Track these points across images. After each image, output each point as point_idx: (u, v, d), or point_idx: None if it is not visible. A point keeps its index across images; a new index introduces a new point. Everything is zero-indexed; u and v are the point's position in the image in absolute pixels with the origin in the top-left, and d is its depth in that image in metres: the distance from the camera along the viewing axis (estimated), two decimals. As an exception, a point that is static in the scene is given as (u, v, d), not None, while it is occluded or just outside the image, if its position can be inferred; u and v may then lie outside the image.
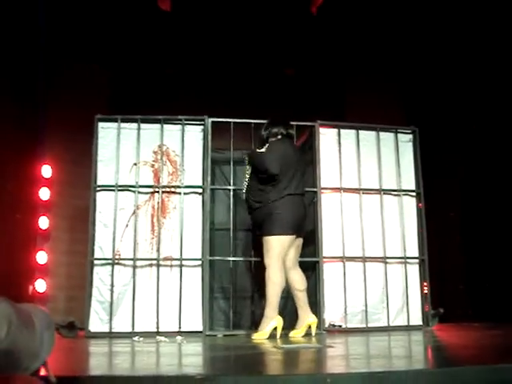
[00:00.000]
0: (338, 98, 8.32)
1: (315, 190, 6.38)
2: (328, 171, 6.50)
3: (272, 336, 5.24)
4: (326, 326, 6.13)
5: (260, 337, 5.20)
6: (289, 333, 5.49)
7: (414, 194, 6.69)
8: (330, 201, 6.46)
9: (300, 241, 5.64)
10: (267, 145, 5.58)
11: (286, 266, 5.46)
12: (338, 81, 8.44)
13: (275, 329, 5.30)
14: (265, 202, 5.40)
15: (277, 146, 5.55)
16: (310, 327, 5.55)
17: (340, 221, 6.42)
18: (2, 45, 6.17)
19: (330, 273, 6.30)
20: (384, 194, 6.58)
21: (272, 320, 5.29)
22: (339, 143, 6.61)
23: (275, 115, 5.96)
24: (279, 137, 5.68)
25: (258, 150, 5.64)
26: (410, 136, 6.83)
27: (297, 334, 5.44)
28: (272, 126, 5.75)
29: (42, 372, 1.83)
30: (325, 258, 6.26)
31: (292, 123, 6.37)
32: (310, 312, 5.60)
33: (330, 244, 6.34)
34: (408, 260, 6.51)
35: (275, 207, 5.34)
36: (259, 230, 5.56)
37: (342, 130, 6.67)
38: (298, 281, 5.56)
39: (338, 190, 6.49)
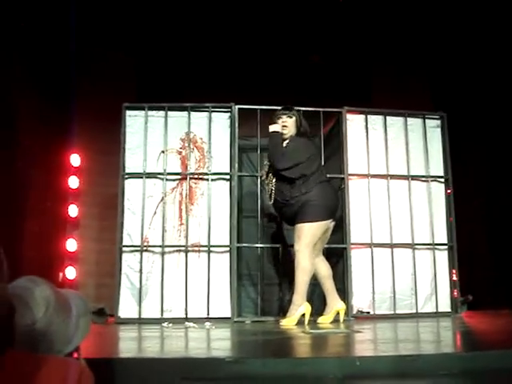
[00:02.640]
0: (364, 83, 8.26)
1: (343, 176, 6.36)
2: (355, 157, 6.47)
3: (300, 322, 5.24)
4: (354, 312, 6.12)
5: (288, 323, 5.20)
6: (317, 319, 5.49)
7: (442, 179, 6.63)
8: (358, 187, 6.44)
9: (331, 227, 5.60)
10: (288, 141, 5.55)
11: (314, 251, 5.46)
12: (365, 66, 8.37)
13: (303, 315, 5.29)
14: (297, 196, 5.36)
15: (310, 148, 5.58)
16: (338, 313, 5.55)
17: (368, 207, 6.39)
18: (32, 35, 6.23)
19: (358, 259, 6.28)
20: (412, 179, 6.53)
21: (300, 306, 5.28)
22: (366, 129, 6.57)
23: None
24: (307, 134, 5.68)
25: (280, 147, 5.56)
26: (438, 121, 6.77)
27: (325, 320, 5.45)
28: (305, 123, 5.73)
29: (75, 356, 1.86)
30: (353, 244, 6.25)
31: (319, 109, 6.38)
32: (339, 298, 5.60)
33: (357, 230, 6.32)
34: (436, 246, 6.47)
35: (308, 197, 5.31)
36: (292, 223, 5.52)
37: (369, 116, 6.63)
38: (323, 268, 5.57)
39: (366, 176, 6.46)
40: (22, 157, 6.09)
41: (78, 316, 1.81)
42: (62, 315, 1.72)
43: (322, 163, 5.82)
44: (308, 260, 5.30)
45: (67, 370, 1.11)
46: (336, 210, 5.59)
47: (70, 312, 1.78)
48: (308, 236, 5.27)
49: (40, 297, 1.64)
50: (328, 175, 6.38)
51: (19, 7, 5.89)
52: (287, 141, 5.54)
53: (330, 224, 5.49)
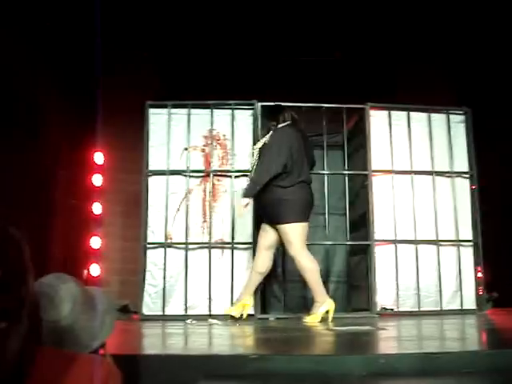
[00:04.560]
0: (387, 79, 8.19)
1: (366, 172, 6.33)
2: (379, 154, 6.44)
3: (324, 319, 5.22)
4: (378, 309, 6.09)
5: (312, 320, 5.18)
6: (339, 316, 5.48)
7: (466, 175, 6.57)
8: (382, 183, 6.40)
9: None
10: (271, 133, 5.49)
11: (260, 244, 5.45)
12: (388, 62, 8.30)
13: (327, 312, 5.27)
14: (275, 189, 5.28)
15: (281, 137, 5.42)
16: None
17: (392, 203, 6.36)
18: (57, 34, 6.28)
19: (382, 256, 6.24)
20: (436, 175, 6.48)
21: (323, 304, 5.25)
22: (390, 125, 6.53)
23: (277, 103, 5.86)
24: (285, 124, 5.53)
25: (262, 140, 5.54)
26: (462, 117, 6.71)
27: (313, 320, 5.27)
28: (276, 113, 5.64)
29: (101, 352, 1.87)
30: (376, 241, 6.22)
31: (342, 106, 6.35)
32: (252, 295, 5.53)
33: (381, 227, 6.29)
34: (461, 243, 6.41)
35: (286, 192, 5.24)
36: (268, 217, 5.47)
37: (392, 112, 6.59)
38: (267, 265, 5.49)
39: (390, 172, 6.42)
40: (47, 155, 6.15)
41: (104, 312, 1.83)
42: (88, 312, 1.74)
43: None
44: (308, 259, 5.29)
45: (95, 367, 1.12)
46: (310, 213, 5.46)
47: (96, 308, 1.80)
48: (297, 237, 5.22)
49: (66, 294, 1.66)
50: (352, 172, 6.40)
51: (45, 7, 5.94)
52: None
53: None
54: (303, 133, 5.68)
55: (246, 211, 5.50)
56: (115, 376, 1.15)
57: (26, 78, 5.59)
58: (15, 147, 5.29)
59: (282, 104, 5.77)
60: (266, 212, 5.47)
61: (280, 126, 5.51)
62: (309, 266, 5.26)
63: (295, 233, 5.21)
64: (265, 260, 5.46)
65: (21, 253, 0.94)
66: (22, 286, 0.94)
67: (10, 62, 5.26)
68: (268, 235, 5.41)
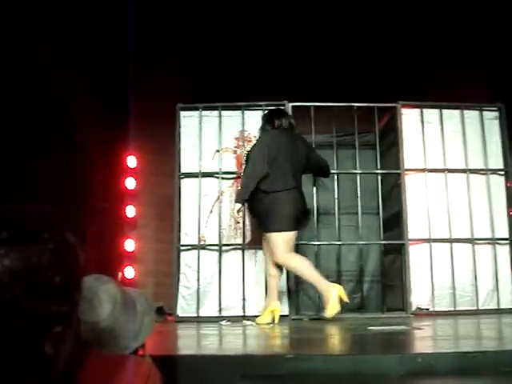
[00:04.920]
0: (419, 77, 8.12)
1: (399, 171, 6.29)
2: (412, 152, 6.39)
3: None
4: (413, 309, 6.04)
5: (331, 311, 5.11)
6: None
7: (501, 172, 6.48)
8: (415, 182, 6.35)
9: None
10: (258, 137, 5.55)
11: (265, 248, 5.53)
12: (419, 60, 8.23)
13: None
14: (263, 196, 5.29)
15: (263, 142, 5.46)
16: (273, 313, 5.43)
17: (425, 202, 6.30)
18: (89, 38, 6.34)
19: (417, 255, 6.19)
20: (470, 173, 6.41)
21: (331, 292, 5.14)
22: (422, 123, 6.48)
23: (277, 108, 5.97)
24: (273, 129, 5.55)
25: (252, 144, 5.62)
26: (496, 113, 6.62)
27: (261, 321, 5.33)
28: (273, 117, 5.65)
29: (140, 352, 1.89)
30: (410, 240, 6.17)
31: (373, 105, 6.32)
32: (276, 298, 5.48)
33: (415, 226, 6.24)
34: (497, 241, 6.33)
35: (272, 200, 5.23)
36: (258, 223, 5.55)
37: (424, 110, 6.53)
38: (274, 268, 5.47)
39: (423, 170, 6.36)
40: (81, 159, 6.22)
41: (143, 313, 1.84)
42: (127, 313, 1.76)
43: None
44: (294, 260, 5.32)
45: (136, 367, 1.13)
46: (300, 220, 5.45)
47: (135, 309, 1.81)
48: (282, 244, 5.22)
49: (106, 295, 1.68)
50: (384, 171, 6.35)
51: (78, 12, 6.01)
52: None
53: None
54: (299, 139, 5.65)
55: (239, 217, 5.51)
56: (155, 376, 1.16)
57: (59, 82, 5.66)
58: (49, 151, 5.36)
59: (283, 108, 5.95)
60: (258, 218, 5.57)
61: (272, 130, 5.54)
62: (297, 265, 5.31)
63: (279, 241, 5.22)
64: (273, 263, 5.47)
65: (76, 258, 0.96)
66: (77, 290, 0.96)
67: (44, 66, 5.34)
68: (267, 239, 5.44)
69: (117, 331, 1.70)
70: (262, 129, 5.70)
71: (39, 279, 0.86)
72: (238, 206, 5.42)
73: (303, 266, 5.29)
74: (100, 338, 1.64)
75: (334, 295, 5.13)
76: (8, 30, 4.59)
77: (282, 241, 5.20)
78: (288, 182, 5.28)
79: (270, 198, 5.23)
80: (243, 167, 5.62)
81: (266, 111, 5.98)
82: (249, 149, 5.63)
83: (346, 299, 5.21)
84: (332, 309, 5.11)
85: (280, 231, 5.20)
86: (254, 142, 6.16)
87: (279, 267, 5.46)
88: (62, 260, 0.90)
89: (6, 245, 0.84)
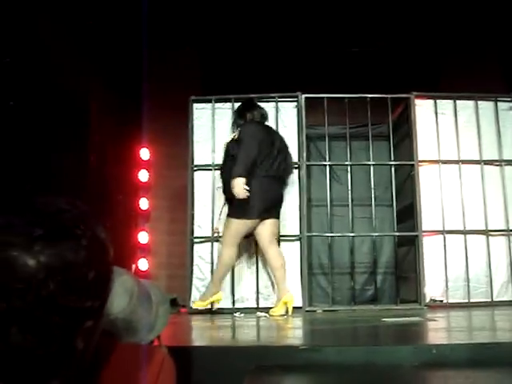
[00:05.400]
0: (432, 68, 8.07)
1: (412, 162, 6.26)
2: (425, 143, 6.35)
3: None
4: (427, 300, 6.02)
5: (199, 305, 5.58)
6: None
7: (516, 163, 6.44)
8: (429, 173, 6.32)
9: (274, 221, 5.52)
10: (239, 129, 5.55)
11: (260, 243, 5.51)
12: (432, 50, 8.17)
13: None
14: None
15: (249, 131, 5.49)
16: (286, 305, 5.44)
17: (439, 193, 6.27)
18: (102, 32, 6.36)
19: (431, 247, 6.17)
20: (484, 164, 6.36)
21: (212, 295, 5.51)
22: (436, 114, 6.44)
23: (247, 100, 5.94)
24: (255, 120, 5.63)
25: (231, 135, 5.66)
26: (511, 104, 6.57)
27: (275, 312, 5.35)
28: (244, 110, 5.72)
29: (156, 343, 1.91)
30: (424, 231, 6.14)
31: (386, 96, 6.30)
32: (287, 289, 5.50)
33: (429, 217, 6.21)
34: (511, 233, 6.29)
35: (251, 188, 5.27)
36: (229, 207, 5.59)
37: (438, 101, 6.49)
38: (276, 259, 5.49)
39: (437, 162, 6.33)
40: (95, 152, 6.24)
41: (157, 305, 1.86)
42: (143, 304, 1.77)
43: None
44: (229, 253, 5.42)
45: (150, 356, 1.14)
46: (272, 208, 5.47)
47: (150, 301, 1.83)
48: (232, 231, 5.35)
49: (123, 287, 1.69)
50: (398, 162, 6.33)
51: (91, 4, 6.02)
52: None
53: (267, 220, 5.42)
54: (272, 130, 5.74)
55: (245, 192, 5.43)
56: (169, 366, 1.17)
57: (72, 75, 5.68)
58: (62, 145, 5.38)
59: (253, 101, 5.89)
60: (229, 203, 5.61)
61: (248, 122, 5.61)
62: (225, 257, 5.45)
63: (234, 227, 5.35)
64: (274, 255, 5.52)
65: (107, 253, 0.97)
66: (108, 285, 0.97)
67: (57, 60, 5.35)
68: (258, 231, 5.46)
69: (134, 323, 1.72)
70: (235, 123, 5.77)
71: (74, 275, 0.87)
72: (243, 180, 5.27)
73: (224, 265, 5.49)
74: (117, 329, 1.66)
75: (209, 300, 5.53)
76: (23, 24, 4.61)
77: (237, 229, 5.34)
78: (270, 170, 5.39)
79: (248, 183, 5.26)
80: (223, 157, 5.66)
81: (242, 102, 5.96)
82: (228, 140, 5.65)
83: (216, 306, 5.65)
84: (200, 305, 5.55)
85: (242, 218, 5.32)
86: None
87: (279, 256, 5.53)
88: (95, 256, 0.91)
89: (42, 241, 0.84)
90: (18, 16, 4.55)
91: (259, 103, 6.13)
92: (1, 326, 0.81)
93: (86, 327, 0.91)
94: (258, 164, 5.33)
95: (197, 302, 5.57)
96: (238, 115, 5.74)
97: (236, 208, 5.35)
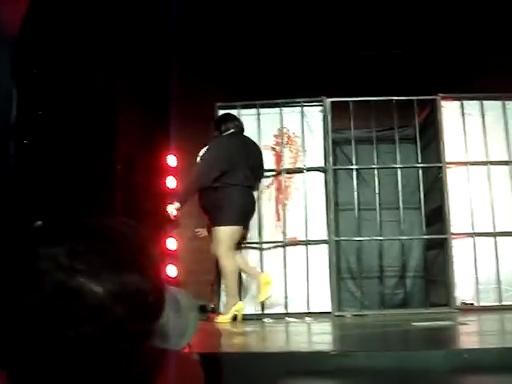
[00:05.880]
0: (457, 69, 7.98)
1: (440, 165, 6.21)
2: (452, 145, 6.30)
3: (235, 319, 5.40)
4: (458, 304, 5.96)
5: (223, 320, 5.40)
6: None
7: (546, 164, 6.35)
8: (457, 175, 6.26)
9: (242, 230, 5.60)
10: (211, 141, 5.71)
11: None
12: (457, 51, 8.09)
13: (236, 314, 5.50)
14: (212, 193, 5.48)
15: (216, 146, 5.65)
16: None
17: (468, 195, 6.21)
18: (130, 41, 6.41)
19: (460, 249, 6.11)
20: (514, 165, 6.29)
21: (233, 306, 5.45)
22: (463, 115, 6.38)
23: (226, 113, 6.09)
24: (228, 132, 5.73)
25: (204, 148, 5.73)
26: (539, 103, 6.49)
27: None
28: (220, 122, 5.86)
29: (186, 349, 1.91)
30: (453, 234, 6.08)
31: (412, 98, 6.27)
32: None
33: (458, 220, 6.15)
34: (543, 234, 6.20)
35: (221, 196, 5.41)
36: (209, 217, 5.66)
37: (464, 102, 6.43)
38: (227, 265, 5.52)
39: (464, 163, 6.27)
40: (123, 159, 6.30)
41: (187, 311, 1.86)
42: (174, 310, 1.78)
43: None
44: (228, 262, 5.44)
45: (180, 363, 1.15)
46: (248, 218, 5.60)
47: (180, 307, 1.83)
48: (222, 239, 5.40)
49: None
50: (425, 165, 6.29)
51: (121, 14, 6.08)
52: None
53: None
54: (248, 141, 5.83)
55: (174, 217, 5.54)
56: (198, 372, 1.18)
57: (102, 84, 5.74)
58: (92, 152, 5.43)
59: (231, 113, 6.09)
60: (208, 214, 5.69)
61: (223, 134, 5.74)
62: (229, 267, 5.46)
63: (224, 236, 5.39)
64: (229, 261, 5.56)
65: (161, 274, 0.99)
66: (163, 304, 0.99)
67: (88, 69, 5.42)
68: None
69: (167, 330, 1.73)
70: (219, 132, 5.86)
71: (137, 300, 0.89)
72: (177, 206, 5.50)
73: (232, 274, 5.51)
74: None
75: (232, 310, 5.48)
76: (54, 37, 4.68)
77: (227, 236, 5.39)
78: (239, 179, 5.46)
79: (219, 193, 5.43)
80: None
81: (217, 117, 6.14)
82: (201, 153, 5.77)
83: (239, 318, 5.51)
84: (224, 319, 5.44)
85: (227, 225, 5.38)
86: (293, 138, 6.19)
87: (234, 264, 5.57)
88: (154, 279, 0.92)
89: (108, 269, 0.86)
90: (49, 27, 4.61)
91: (284, 108, 6.16)
92: (68, 354, 0.82)
93: (145, 348, 0.93)
94: (228, 174, 5.45)
95: (220, 317, 5.54)
96: (214, 127, 5.90)
97: (218, 216, 5.44)
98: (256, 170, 5.78)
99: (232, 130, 5.77)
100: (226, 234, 5.40)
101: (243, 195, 5.50)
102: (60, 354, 0.82)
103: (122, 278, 0.86)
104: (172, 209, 5.47)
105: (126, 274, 0.87)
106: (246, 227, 5.68)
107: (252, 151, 5.77)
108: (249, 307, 6.02)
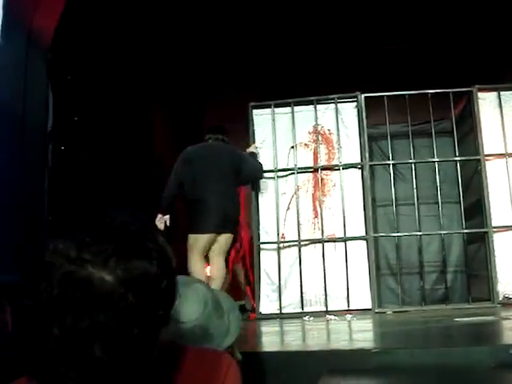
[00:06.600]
0: (492, 60, 7.87)
1: (478, 157, 6.12)
2: (490, 137, 6.19)
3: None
4: (500, 298, 5.87)
5: None
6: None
7: None
8: (496, 168, 6.16)
9: (225, 236, 5.51)
10: None
11: (209, 253, 5.51)
12: (492, 42, 7.97)
13: None
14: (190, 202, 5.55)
15: (180, 158, 5.65)
16: None
17: (508, 187, 6.10)
18: (162, 47, 6.47)
19: (502, 243, 6.00)
20: (554, 155, 6.16)
21: None
22: (500, 106, 6.27)
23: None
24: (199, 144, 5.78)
25: None
26: None
27: None
28: (206, 132, 5.92)
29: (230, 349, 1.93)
30: (494, 227, 5.98)
31: (448, 90, 6.19)
32: None
33: (498, 213, 6.04)
34: None
35: (194, 205, 5.45)
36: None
37: (502, 93, 6.31)
38: (217, 269, 5.52)
39: (503, 155, 6.16)
40: (157, 162, 6.34)
41: (228, 312, 1.88)
42: (217, 311, 1.80)
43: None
44: (197, 268, 5.39)
45: (214, 360, 1.16)
46: (223, 223, 5.44)
47: (221, 307, 1.85)
48: (190, 246, 5.41)
49: (195, 295, 1.73)
50: (463, 158, 6.20)
51: (148, 18, 6.13)
52: None
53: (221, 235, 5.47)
54: (226, 152, 5.72)
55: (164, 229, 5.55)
56: (236, 372, 1.18)
57: (137, 88, 5.80)
58: (127, 156, 5.49)
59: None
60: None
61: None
62: (195, 273, 5.33)
63: (191, 242, 5.42)
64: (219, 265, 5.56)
65: (172, 261, 0.99)
66: (176, 293, 1.00)
67: (122, 78, 5.48)
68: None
69: (210, 329, 1.76)
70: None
71: (149, 286, 0.89)
72: (166, 217, 5.55)
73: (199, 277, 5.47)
74: (196, 337, 1.69)
75: None
76: (88, 42, 4.74)
77: (197, 242, 5.39)
78: (208, 188, 5.42)
79: (191, 202, 5.51)
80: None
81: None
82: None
83: None
84: None
85: (194, 233, 5.40)
86: (328, 135, 6.18)
87: (222, 269, 5.57)
88: (164, 265, 0.93)
89: (115, 256, 0.87)
90: (83, 34, 4.67)
91: (318, 105, 6.15)
92: (84, 342, 0.83)
93: (159, 335, 0.94)
94: (195, 184, 5.46)
95: None
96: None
97: (191, 223, 5.50)
98: (233, 175, 5.67)
99: (209, 142, 5.80)
100: (193, 241, 5.43)
101: (212, 202, 5.41)
102: (75, 344, 0.83)
103: (129, 264, 0.87)
104: (157, 222, 5.48)
105: (134, 260, 0.88)
106: (227, 232, 5.56)
107: (221, 158, 5.66)
108: (288, 306, 6.02)
